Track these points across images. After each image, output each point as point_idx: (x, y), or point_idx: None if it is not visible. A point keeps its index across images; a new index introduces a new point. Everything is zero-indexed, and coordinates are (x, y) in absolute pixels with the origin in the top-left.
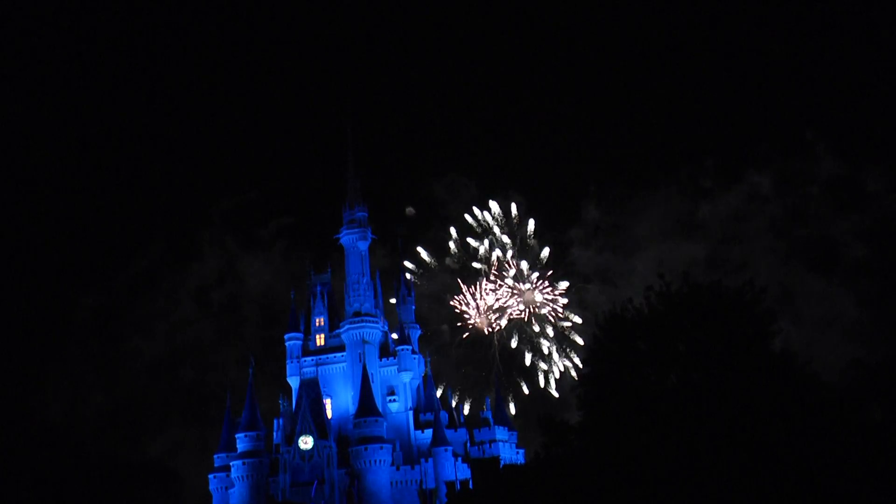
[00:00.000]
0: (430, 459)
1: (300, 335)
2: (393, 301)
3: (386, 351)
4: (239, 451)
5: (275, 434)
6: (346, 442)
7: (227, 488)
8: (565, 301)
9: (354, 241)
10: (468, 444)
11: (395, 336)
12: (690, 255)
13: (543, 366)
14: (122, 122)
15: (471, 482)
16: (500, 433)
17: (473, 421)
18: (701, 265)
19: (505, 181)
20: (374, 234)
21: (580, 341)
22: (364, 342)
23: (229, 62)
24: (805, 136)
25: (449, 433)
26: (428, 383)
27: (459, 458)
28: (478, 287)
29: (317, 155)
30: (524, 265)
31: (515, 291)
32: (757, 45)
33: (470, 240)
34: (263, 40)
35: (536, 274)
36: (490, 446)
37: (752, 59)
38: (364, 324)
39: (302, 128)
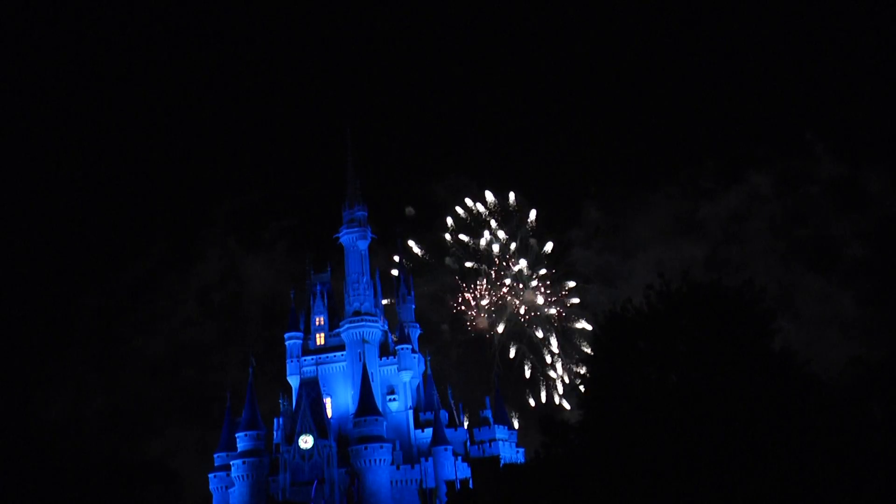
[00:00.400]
0: (430, 459)
1: (300, 334)
2: (386, 302)
3: (386, 350)
4: (239, 450)
5: (275, 433)
6: (346, 441)
7: (227, 488)
8: (575, 301)
9: (354, 241)
10: (468, 444)
11: (395, 335)
12: (691, 256)
13: (553, 374)
14: (125, 124)
15: (471, 481)
16: (500, 432)
17: (473, 420)
18: (701, 265)
19: (505, 182)
20: (374, 234)
21: (589, 351)
22: (364, 341)
23: (232, 65)
24: (805, 137)
25: (449, 432)
26: (428, 382)
27: (459, 458)
28: (476, 287)
29: (319, 156)
30: (523, 263)
31: (514, 292)
32: (757, 45)
33: (462, 236)
34: (265, 43)
35: (537, 275)
36: (490, 445)
37: (753, 59)
38: (364, 323)
39: (304, 129)
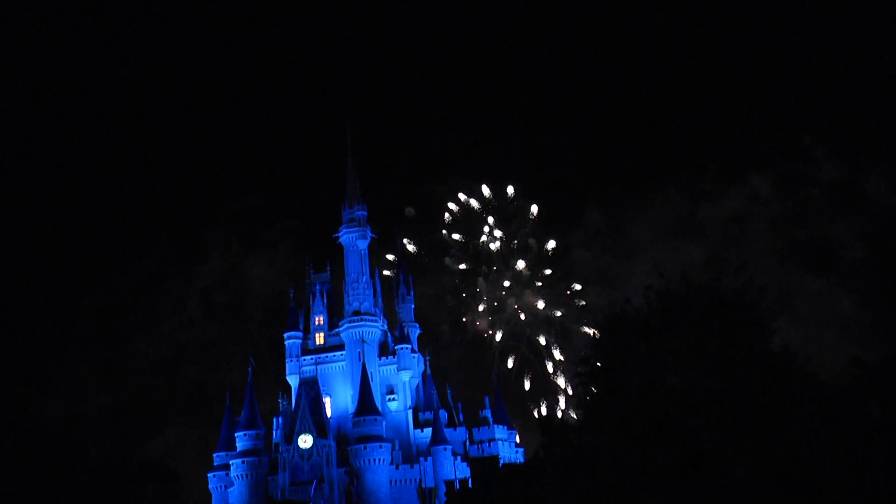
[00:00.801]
0: (430, 458)
1: (300, 334)
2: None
3: (385, 350)
4: (238, 449)
5: (274, 433)
6: (345, 441)
7: (226, 487)
8: (582, 303)
9: (354, 240)
10: (467, 443)
11: (394, 335)
12: (690, 257)
13: (560, 383)
14: (128, 125)
15: (470, 481)
16: (500, 432)
17: (473, 420)
18: (701, 267)
19: (505, 182)
20: (374, 234)
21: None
22: (363, 341)
23: (234, 67)
24: (804, 139)
25: (448, 432)
26: (427, 382)
27: (459, 457)
28: (476, 287)
29: (319, 157)
30: (522, 264)
31: (513, 293)
32: (757, 48)
33: (456, 236)
34: (265, 45)
35: (537, 276)
36: (489, 445)
37: (752, 62)
38: (363, 322)
39: (305, 130)
